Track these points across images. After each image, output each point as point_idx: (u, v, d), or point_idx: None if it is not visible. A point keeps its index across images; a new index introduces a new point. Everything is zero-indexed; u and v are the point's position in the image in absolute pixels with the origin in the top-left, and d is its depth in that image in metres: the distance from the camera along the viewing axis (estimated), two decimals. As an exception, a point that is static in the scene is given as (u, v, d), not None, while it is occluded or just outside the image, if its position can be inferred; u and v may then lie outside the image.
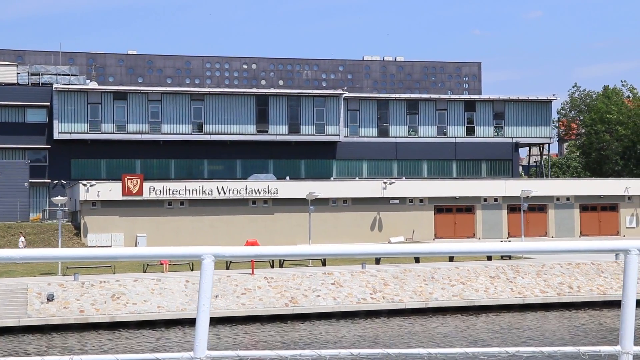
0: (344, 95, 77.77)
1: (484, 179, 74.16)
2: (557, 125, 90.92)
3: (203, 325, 4.22)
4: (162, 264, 44.50)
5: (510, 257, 50.11)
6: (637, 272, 4.13)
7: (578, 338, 36.73)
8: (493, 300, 43.41)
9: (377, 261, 48.15)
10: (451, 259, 48.85)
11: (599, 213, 68.35)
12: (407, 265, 46.73)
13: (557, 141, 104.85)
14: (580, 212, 68.10)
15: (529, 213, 66.70)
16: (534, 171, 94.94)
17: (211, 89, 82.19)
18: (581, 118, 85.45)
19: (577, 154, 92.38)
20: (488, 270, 45.86)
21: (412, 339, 36.90)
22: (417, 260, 48.66)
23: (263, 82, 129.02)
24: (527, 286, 44.86)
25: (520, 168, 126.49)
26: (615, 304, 44.96)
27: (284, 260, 47.63)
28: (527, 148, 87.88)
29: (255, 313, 39.72)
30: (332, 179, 71.97)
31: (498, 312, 42.78)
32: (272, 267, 47.33)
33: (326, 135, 76.92)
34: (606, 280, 46.14)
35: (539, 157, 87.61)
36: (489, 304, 43.15)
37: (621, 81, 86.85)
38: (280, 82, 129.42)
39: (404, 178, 71.83)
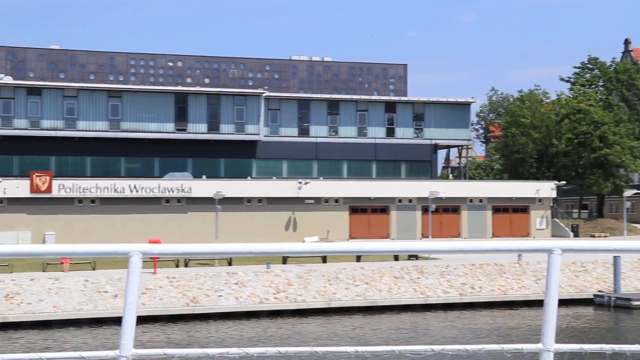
0: (264, 95, 77.59)
1: (401, 180, 74.81)
2: (477, 127, 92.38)
3: (130, 323, 4.25)
4: (62, 263, 43.82)
5: (417, 258, 50.72)
6: (560, 272, 4.18)
7: (488, 336, 37.29)
8: (396, 300, 43.82)
9: (284, 261, 48.27)
10: (358, 258, 49.21)
11: (511, 215, 69.61)
12: (313, 265, 46.94)
13: (484, 143, 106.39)
14: (492, 213, 69.26)
15: (442, 214, 67.76)
16: (457, 173, 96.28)
17: (129, 86, 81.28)
18: (499, 121, 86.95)
19: (498, 156, 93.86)
20: (393, 271, 46.32)
21: (312, 338, 37.02)
22: (323, 260, 48.92)
23: (189, 80, 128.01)
24: (430, 286, 45.39)
25: (449, 170, 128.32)
26: (516, 304, 45.90)
27: (189, 259, 47.38)
28: (447, 150, 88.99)
29: (154, 313, 39.35)
30: (248, 178, 71.78)
31: (400, 312, 43.22)
32: (177, 266, 47.04)
33: (246, 134, 76.60)
34: (507, 281, 46.98)
35: (459, 158, 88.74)
36: (391, 304, 43.56)
37: (535, 85, 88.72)
38: (207, 81, 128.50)
39: (321, 178, 72.10)
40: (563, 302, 46.15)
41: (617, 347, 4.41)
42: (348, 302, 42.95)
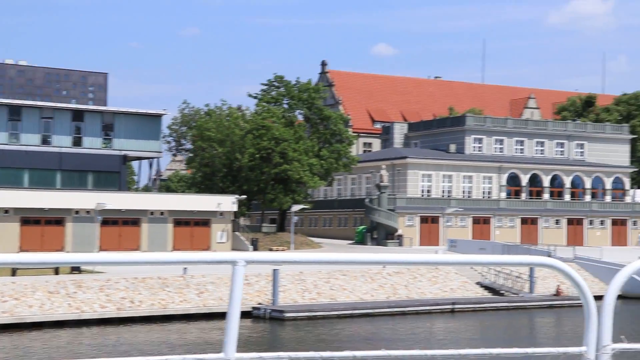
0: None
1: (82, 190, 72.40)
2: (169, 140, 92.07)
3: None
4: None
5: (80, 271, 49.10)
6: (243, 283, 4.19)
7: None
8: (47, 316, 41.95)
9: None
10: (14, 272, 46.60)
11: (192, 228, 69.76)
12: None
13: (175, 156, 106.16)
14: (174, 226, 69.07)
15: (122, 227, 66.61)
16: (153, 185, 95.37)
17: None
18: (190, 134, 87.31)
19: (194, 169, 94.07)
20: (48, 285, 44.36)
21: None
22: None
23: None
24: (87, 301, 43.99)
25: (148, 181, 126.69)
26: (176, 318, 45.80)
27: None
28: (138, 161, 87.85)
29: None
30: None
31: (53, 328, 41.42)
32: None
33: None
34: (169, 295, 46.73)
35: (150, 170, 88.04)
36: (42, 321, 41.63)
37: (221, 100, 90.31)
38: None
39: (-4, 187, 68.03)
40: (223, 315, 46.94)
41: (293, 355, 4.42)
42: (-8, 319, 40.45)
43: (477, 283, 58.07)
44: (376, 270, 54.69)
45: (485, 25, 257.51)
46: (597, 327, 4.45)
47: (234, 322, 4.26)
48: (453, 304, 52.14)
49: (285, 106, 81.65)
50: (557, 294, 57.09)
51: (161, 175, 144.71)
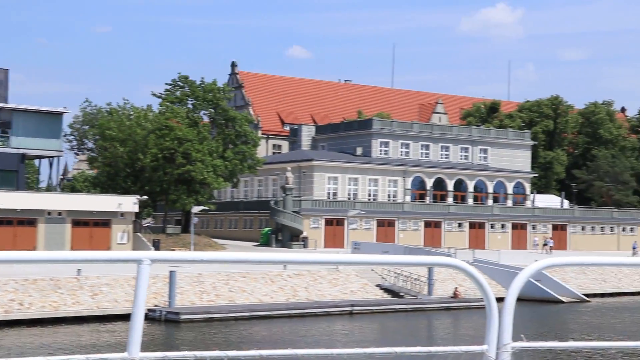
0: None
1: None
2: (70, 139, 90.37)
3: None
4: None
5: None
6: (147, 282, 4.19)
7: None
8: None
9: None
10: None
11: (92, 228, 68.58)
12: None
13: (77, 155, 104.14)
14: (72, 226, 67.75)
15: (17, 227, 65.08)
16: (58, 185, 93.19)
17: None
18: (91, 133, 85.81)
19: (98, 168, 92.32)
20: None
21: None
22: None
23: None
24: (-28, 303, 42.58)
25: (49, 180, 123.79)
26: (68, 320, 44.72)
27: None
28: (38, 160, 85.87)
29: None
30: None
31: None
32: None
33: None
34: (61, 297, 45.64)
35: (50, 169, 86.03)
36: None
37: (123, 99, 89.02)
38: None
39: None
40: (117, 318, 46.23)
41: (199, 354, 4.37)
42: None
43: (377, 285, 58.49)
44: (276, 272, 54.74)
45: (397, 31, 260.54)
46: (497, 327, 4.60)
47: (138, 322, 4.24)
48: (352, 305, 52.40)
49: (190, 106, 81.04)
50: (455, 296, 57.83)
51: (67, 175, 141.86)
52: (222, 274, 53.20)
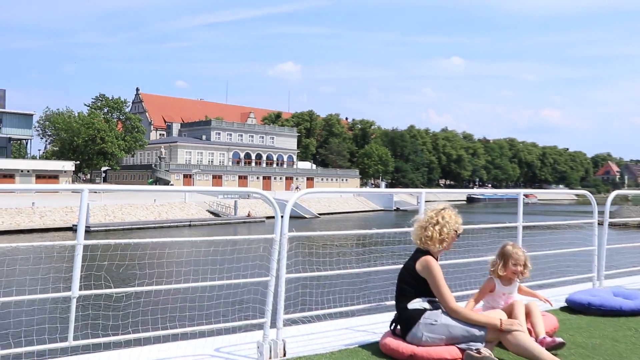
0: None
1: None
2: (38, 129, 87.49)
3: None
4: None
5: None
6: None
7: None
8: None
9: None
10: None
11: (47, 180, 65.53)
12: None
13: (45, 138, 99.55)
14: (36, 179, 64.35)
15: (2, 179, 61.82)
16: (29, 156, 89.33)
17: None
18: (50, 127, 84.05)
19: (54, 146, 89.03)
20: None
21: None
22: None
23: None
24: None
25: (29, 153, 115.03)
26: None
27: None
28: (19, 142, 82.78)
29: None
30: None
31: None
32: None
33: None
34: (22, 217, 40.45)
35: (26, 146, 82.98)
36: None
37: (66, 107, 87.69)
38: None
39: None
40: (59, 230, 40.04)
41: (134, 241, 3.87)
42: None
43: (207, 210, 56.01)
44: (150, 203, 51.98)
45: (231, 72, 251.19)
46: (280, 224, 4.22)
47: (82, 217, 3.57)
48: (190, 221, 48.92)
49: (105, 110, 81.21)
50: (248, 215, 55.22)
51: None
52: (117, 204, 48.71)
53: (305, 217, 58.90)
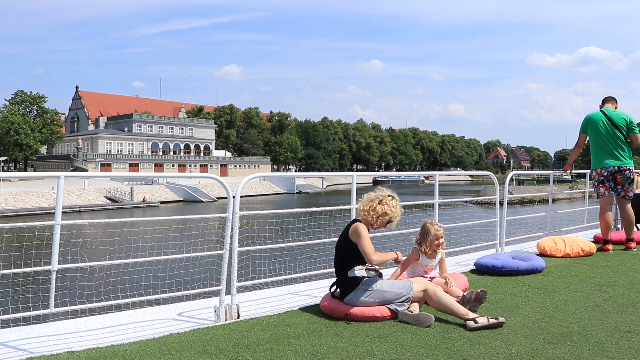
0: None
1: None
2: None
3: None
4: None
5: None
6: None
7: None
8: None
9: None
10: None
11: None
12: None
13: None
14: None
15: None
16: None
17: None
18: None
19: None
20: None
21: None
22: None
23: None
24: None
25: None
26: None
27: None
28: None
29: None
30: None
31: None
32: None
33: None
34: None
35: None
36: None
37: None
38: None
39: None
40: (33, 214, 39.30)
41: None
42: None
43: (105, 196, 53.12)
44: (47, 191, 48.95)
45: (164, 75, 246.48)
46: (232, 206, 4.06)
47: (59, 197, 3.42)
48: (80, 207, 45.45)
49: (23, 105, 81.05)
50: (144, 200, 52.92)
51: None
52: (11, 192, 45.89)
53: (203, 201, 56.66)
